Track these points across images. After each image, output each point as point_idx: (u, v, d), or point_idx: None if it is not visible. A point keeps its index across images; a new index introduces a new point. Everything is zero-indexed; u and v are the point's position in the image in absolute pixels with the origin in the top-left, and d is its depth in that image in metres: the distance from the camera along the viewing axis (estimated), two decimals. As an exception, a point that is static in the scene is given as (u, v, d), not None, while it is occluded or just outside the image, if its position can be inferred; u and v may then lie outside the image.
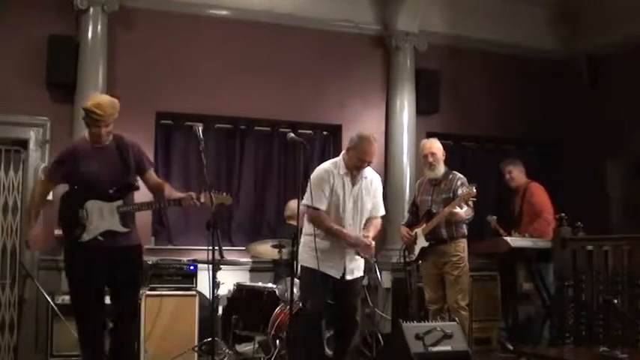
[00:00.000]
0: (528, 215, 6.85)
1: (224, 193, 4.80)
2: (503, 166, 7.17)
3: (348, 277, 4.83)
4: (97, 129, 4.43)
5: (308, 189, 4.78)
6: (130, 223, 4.55)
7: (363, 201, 4.87)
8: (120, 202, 4.47)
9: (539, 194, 6.89)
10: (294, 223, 6.63)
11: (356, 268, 4.90)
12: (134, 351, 4.74)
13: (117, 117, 4.51)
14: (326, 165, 4.91)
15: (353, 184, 4.83)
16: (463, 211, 5.55)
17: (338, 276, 4.78)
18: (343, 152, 4.93)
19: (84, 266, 4.43)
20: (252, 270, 6.83)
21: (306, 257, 4.79)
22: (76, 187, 4.51)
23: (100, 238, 4.41)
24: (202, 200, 4.57)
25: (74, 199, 4.46)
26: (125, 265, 4.53)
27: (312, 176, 4.86)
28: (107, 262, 4.43)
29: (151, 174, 4.71)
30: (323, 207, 4.76)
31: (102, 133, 4.45)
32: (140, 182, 4.71)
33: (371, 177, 4.95)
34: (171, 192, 4.68)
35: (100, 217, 4.42)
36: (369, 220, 4.96)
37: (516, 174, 7.05)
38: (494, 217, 7.05)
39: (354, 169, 4.82)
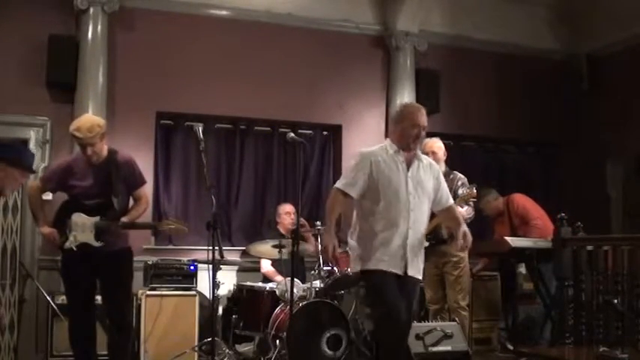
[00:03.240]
0: (520, 227, 6.79)
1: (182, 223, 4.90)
2: (481, 205, 6.80)
3: (410, 273, 4.13)
4: (82, 149, 4.65)
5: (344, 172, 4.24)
6: (111, 235, 4.66)
7: (424, 185, 4.20)
8: (97, 219, 4.62)
9: (521, 202, 6.81)
10: (279, 227, 6.70)
11: (421, 264, 4.26)
12: None
13: (102, 137, 4.64)
14: (370, 148, 4.27)
15: (408, 166, 4.17)
16: (464, 210, 5.55)
17: (401, 271, 4.09)
18: (387, 139, 4.38)
19: (68, 270, 4.75)
20: (251, 270, 6.83)
21: (365, 258, 4.12)
22: (69, 197, 4.75)
23: (74, 248, 4.61)
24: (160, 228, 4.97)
25: (66, 208, 4.71)
26: (106, 271, 4.70)
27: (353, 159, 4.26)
28: (88, 267, 4.64)
29: (138, 192, 4.86)
30: (353, 193, 4.13)
31: (88, 153, 4.62)
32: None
33: (428, 161, 4.38)
34: (131, 216, 4.76)
35: (81, 231, 4.63)
36: (445, 211, 4.41)
37: (493, 202, 6.87)
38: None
39: (408, 145, 4.17)
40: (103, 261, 4.63)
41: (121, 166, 4.74)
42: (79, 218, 4.62)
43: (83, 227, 4.61)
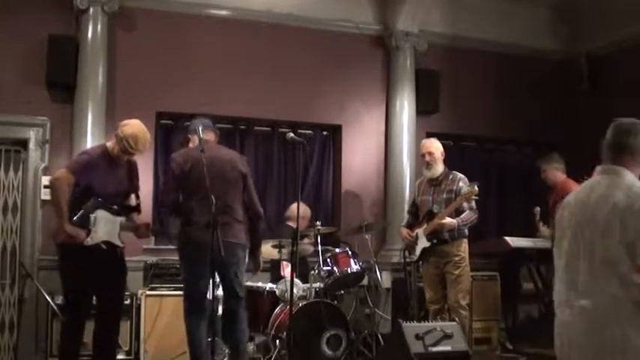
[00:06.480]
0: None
1: None
2: (538, 164, 6.61)
3: None
4: (122, 154, 4.71)
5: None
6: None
7: None
8: (123, 219, 4.77)
9: (567, 190, 6.57)
10: (292, 224, 6.67)
11: None
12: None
13: None
14: None
15: None
16: (460, 218, 5.55)
17: None
18: None
19: (81, 267, 4.61)
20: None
21: None
22: (87, 193, 4.66)
23: (102, 246, 4.64)
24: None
25: (83, 203, 4.62)
26: (112, 268, 4.78)
27: None
28: (99, 266, 4.64)
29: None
30: None
31: (125, 159, 4.78)
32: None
33: None
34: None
35: (106, 228, 4.65)
36: None
37: (550, 173, 6.44)
38: (539, 208, 6.64)
39: None
40: (109, 263, 4.74)
41: (134, 167, 4.92)
42: (104, 215, 4.63)
43: (109, 226, 4.66)
